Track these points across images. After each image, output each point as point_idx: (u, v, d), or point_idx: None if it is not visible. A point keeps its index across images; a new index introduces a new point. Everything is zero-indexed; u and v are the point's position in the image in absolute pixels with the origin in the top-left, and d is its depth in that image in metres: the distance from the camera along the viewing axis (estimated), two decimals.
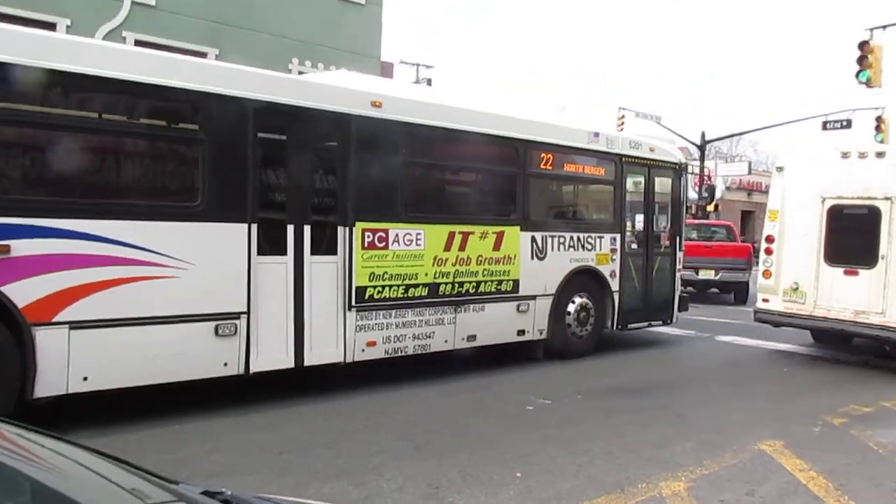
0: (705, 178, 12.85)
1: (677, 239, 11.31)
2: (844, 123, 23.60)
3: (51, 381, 5.38)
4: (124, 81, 5.71)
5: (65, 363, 5.42)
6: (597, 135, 10.05)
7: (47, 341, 5.32)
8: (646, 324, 10.69)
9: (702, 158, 27.17)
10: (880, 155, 9.40)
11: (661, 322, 10.90)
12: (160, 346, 5.89)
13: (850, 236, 9.51)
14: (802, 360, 9.92)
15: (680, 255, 11.42)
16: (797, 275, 9.91)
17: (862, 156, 9.48)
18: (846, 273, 9.53)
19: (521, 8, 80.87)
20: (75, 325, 5.43)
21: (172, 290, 5.94)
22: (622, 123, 26.93)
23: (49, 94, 5.54)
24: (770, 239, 10.17)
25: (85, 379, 5.52)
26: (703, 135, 27.74)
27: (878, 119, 23.09)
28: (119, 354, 5.68)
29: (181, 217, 6.06)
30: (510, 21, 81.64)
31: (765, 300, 10.15)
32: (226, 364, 6.32)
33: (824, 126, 23.81)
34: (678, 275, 11.27)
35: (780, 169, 10.28)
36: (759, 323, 10.34)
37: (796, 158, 10.14)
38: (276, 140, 6.85)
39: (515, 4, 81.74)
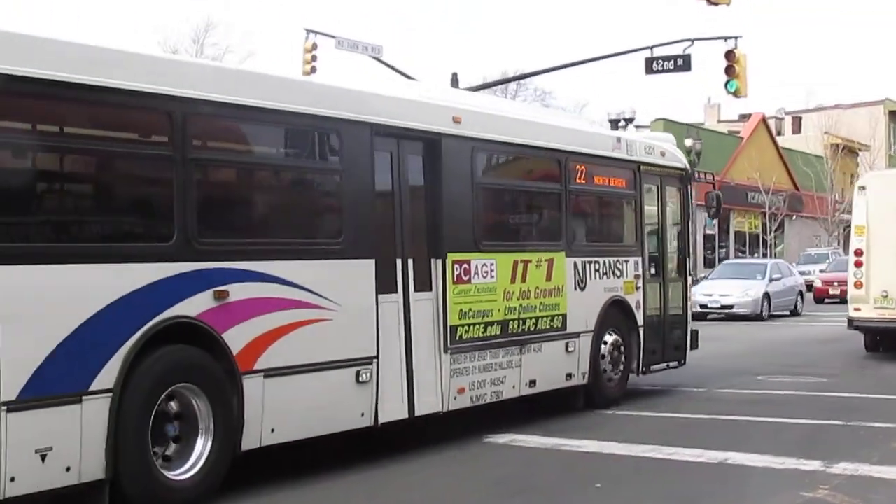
0: (707, 181, 16.92)
1: (687, 262, 15.98)
2: (679, 63, 25.32)
3: (251, 433, 8.45)
4: (304, 115, 8.96)
5: (260, 414, 8.50)
6: (619, 140, 14.37)
7: (251, 391, 8.41)
8: (664, 365, 15.12)
9: None
10: None
11: (676, 363, 15.40)
12: (319, 395, 9.12)
13: None
14: (623, 467, 9.98)
15: (690, 280, 16.11)
16: (886, 283, 17.11)
17: None
18: None
19: (509, 17, 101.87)
20: (268, 373, 8.55)
21: (327, 334, 9.21)
22: (312, 57, 28.39)
23: (250, 136, 8.69)
24: (859, 252, 17.58)
25: (272, 431, 8.64)
26: (453, 77, 28.16)
27: (730, 56, 24.64)
28: (293, 405, 8.84)
29: (329, 255, 9.35)
30: (499, 30, 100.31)
31: (856, 309, 17.62)
32: (362, 414, 9.64)
33: (650, 67, 25.73)
34: (690, 304, 15.91)
35: (861, 188, 17.95)
36: (853, 330, 18.01)
37: (877, 179, 18.79)
38: (383, 164, 10.25)
39: (504, 14, 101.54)
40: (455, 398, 10.88)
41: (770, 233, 56.91)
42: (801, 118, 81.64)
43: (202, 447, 8.06)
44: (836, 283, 35.70)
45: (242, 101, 8.46)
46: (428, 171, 10.83)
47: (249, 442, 8.47)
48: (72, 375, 7.03)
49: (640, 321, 14.32)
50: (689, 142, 48.49)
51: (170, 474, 7.81)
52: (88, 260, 7.22)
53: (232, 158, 8.88)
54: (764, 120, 66.29)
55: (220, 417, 8.12)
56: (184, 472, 7.91)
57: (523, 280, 12.01)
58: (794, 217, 63.11)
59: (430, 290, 10.67)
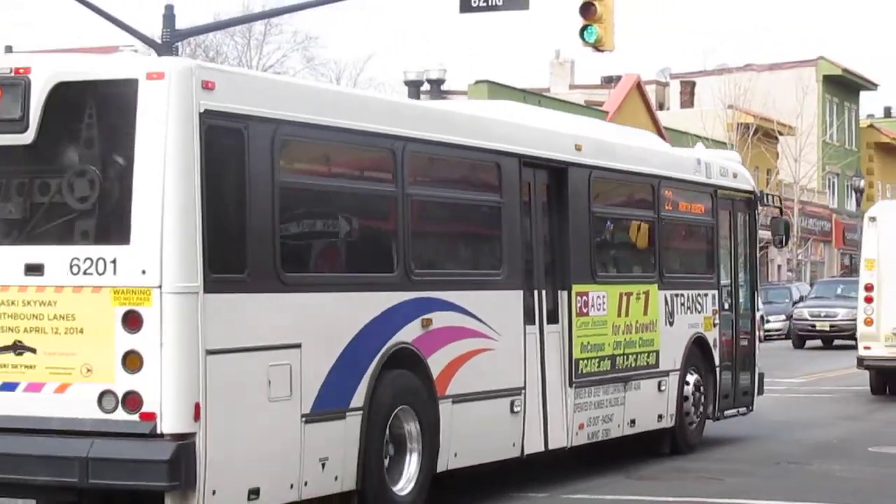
0: (774, 205, 20.70)
1: (756, 295, 19.99)
2: None
3: (442, 457, 12.05)
4: (480, 150, 12.71)
5: (449, 439, 12.11)
6: (699, 161, 18.29)
7: (444, 415, 12.01)
8: (735, 411, 19.05)
9: None
10: None
11: (745, 409, 19.34)
12: (486, 423, 12.77)
13: None
14: None
15: (759, 316, 20.07)
16: None
17: None
18: None
19: None
20: (455, 399, 12.17)
21: (492, 363, 12.89)
22: None
23: (445, 172, 12.40)
24: (869, 287, 22.28)
25: (455, 455, 12.26)
26: (168, 13, 26.90)
27: None
28: (470, 431, 12.49)
29: (492, 285, 13.05)
30: None
31: (866, 347, 22.79)
32: (514, 444, 13.32)
33: (466, 2, 25.09)
34: (759, 343, 19.88)
35: (872, 219, 22.43)
36: (863, 370, 22.00)
37: (889, 209, 23.26)
38: (525, 195, 13.94)
39: None
40: (577, 434, 14.66)
41: None
42: (694, 84, 78.18)
43: (413, 467, 11.67)
44: None
45: (445, 138, 12.14)
46: (554, 201, 14.62)
47: (440, 465, 12.07)
48: (340, 393, 10.62)
49: (717, 361, 18.26)
50: None
51: (394, 489, 11.37)
52: (350, 288, 10.90)
53: (435, 193, 12.52)
54: (639, 85, 63.84)
55: (426, 439, 11.72)
56: (402, 489, 11.50)
57: (626, 314, 15.92)
58: None
59: (558, 322, 14.44)
